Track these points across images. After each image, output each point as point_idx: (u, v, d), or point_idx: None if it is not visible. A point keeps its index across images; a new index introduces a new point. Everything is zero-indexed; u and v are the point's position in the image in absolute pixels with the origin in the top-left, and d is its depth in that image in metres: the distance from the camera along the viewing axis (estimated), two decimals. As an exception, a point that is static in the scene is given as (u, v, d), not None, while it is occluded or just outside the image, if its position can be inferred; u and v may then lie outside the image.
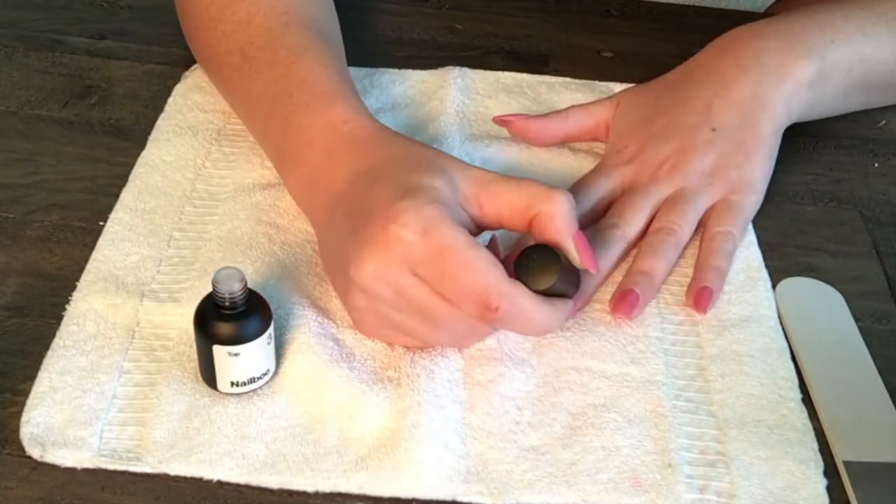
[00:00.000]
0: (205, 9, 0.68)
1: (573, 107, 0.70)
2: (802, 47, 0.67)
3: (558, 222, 0.53)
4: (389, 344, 0.56)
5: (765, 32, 0.68)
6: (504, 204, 0.54)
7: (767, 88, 0.66)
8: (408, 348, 0.55)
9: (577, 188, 0.64)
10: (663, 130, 0.65)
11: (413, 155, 0.56)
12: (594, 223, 0.63)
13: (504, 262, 0.52)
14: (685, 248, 0.63)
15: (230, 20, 0.66)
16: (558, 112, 0.69)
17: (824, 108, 0.70)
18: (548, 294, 0.53)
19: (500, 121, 0.68)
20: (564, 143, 0.70)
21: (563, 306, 0.54)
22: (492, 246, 0.55)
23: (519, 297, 0.51)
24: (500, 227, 0.55)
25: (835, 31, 0.68)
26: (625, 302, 0.58)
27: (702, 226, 0.63)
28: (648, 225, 0.62)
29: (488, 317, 0.51)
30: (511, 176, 0.55)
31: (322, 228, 0.58)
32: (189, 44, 0.73)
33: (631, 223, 0.62)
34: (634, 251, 0.62)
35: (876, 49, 0.68)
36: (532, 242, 0.54)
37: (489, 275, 0.50)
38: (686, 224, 0.62)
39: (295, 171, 0.60)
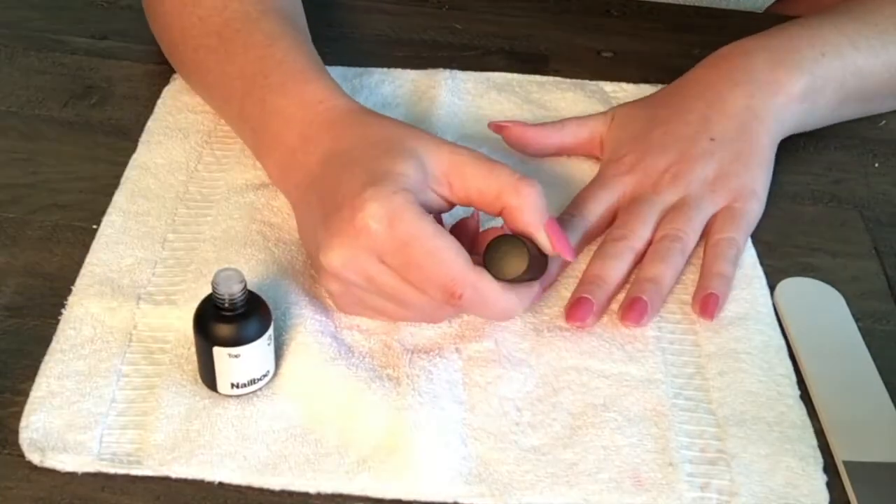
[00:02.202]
0: None
1: (569, 119, 0.70)
2: (792, 62, 0.67)
3: (527, 216, 0.54)
4: (386, 344, 0.56)
5: (755, 48, 0.68)
6: (474, 189, 0.55)
7: (761, 101, 0.66)
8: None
9: (579, 201, 0.64)
10: (661, 140, 0.65)
11: (386, 137, 0.56)
12: (599, 234, 0.63)
13: (481, 237, 0.54)
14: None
15: (206, 4, 0.66)
16: (554, 123, 0.69)
17: (818, 120, 0.71)
18: (514, 281, 0.54)
19: (496, 127, 0.69)
20: (558, 154, 0.69)
21: (528, 291, 0.55)
22: (471, 220, 0.57)
23: (482, 286, 0.52)
24: (471, 206, 0.56)
25: (825, 45, 0.68)
26: (634, 310, 0.58)
27: (705, 233, 0.63)
28: (654, 233, 0.62)
29: (452, 303, 0.52)
30: (485, 158, 0.56)
31: (298, 208, 0.59)
32: (157, 30, 0.72)
33: (638, 233, 0.62)
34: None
35: (868, 61, 0.69)
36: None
37: (453, 264, 0.51)
38: (691, 230, 0.62)
39: (272, 151, 0.61)
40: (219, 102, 0.67)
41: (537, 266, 0.55)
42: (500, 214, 0.55)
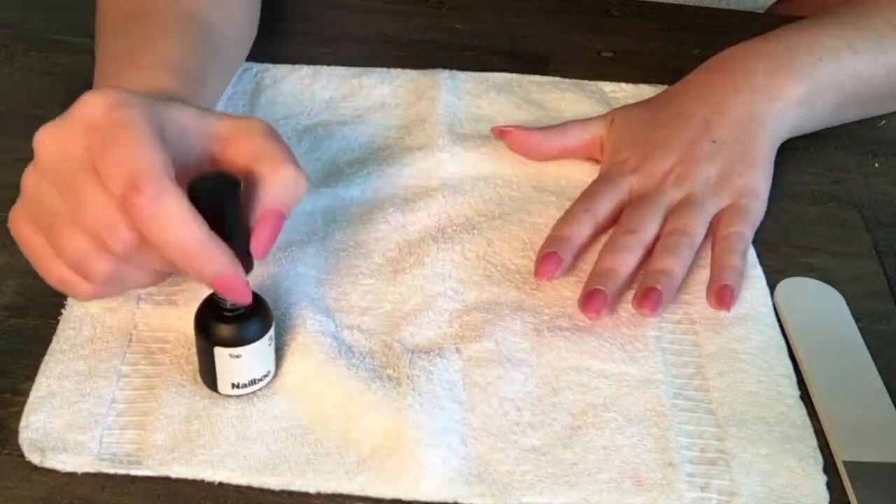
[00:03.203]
0: None
1: (570, 121, 0.70)
2: (791, 68, 0.67)
3: (264, 193, 0.50)
4: (386, 345, 0.56)
5: (754, 53, 0.68)
6: (248, 151, 0.51)
7: (761, 107, 0.66)
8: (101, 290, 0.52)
9: (588, 196, 0.64)
10: (664, 142, 0.65)
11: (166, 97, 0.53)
12: (607, 230, 0.63)
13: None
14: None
15: None
16: (555, 126, 0.69)
17: (817, 123, 0.71)
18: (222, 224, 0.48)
19: (499, 132, 0.68)
20: (560, 158, 0.69)
21: (222, 256, 0.48)
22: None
23: (166, 192, 0.46)
24: (228, 165, 0.51)
25: (823, 50, 0.68)
26: (650, 298, 0.58)
27: (711, 230, 0.63)
28: (661, 230, 0.62)
29: (130, 201, 0.45)
30: (234, 117, 0.52)
31: None
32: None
33: (647, 227, 0.62)
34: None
35: (866, 65, 0.69)
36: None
37: (152, 160, 0.46)
38: (699, 225, 0.62)
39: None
40: (95, 75, 0.64)
41: (240, 235, 0.49)
42: (245, 179, 0.50)
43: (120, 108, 0.48)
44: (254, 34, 0.75)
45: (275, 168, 0.50)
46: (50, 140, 0.49)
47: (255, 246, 0.50)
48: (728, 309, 0.59)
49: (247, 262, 0.50)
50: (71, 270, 0.50)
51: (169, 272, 0.53)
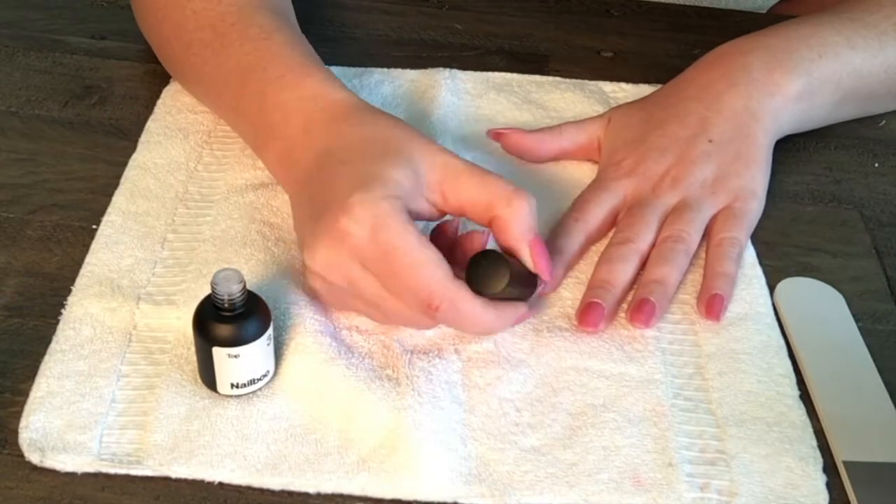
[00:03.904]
0: None
1: (566, 123, 0.69)
2: (789, 63, 0.67)
3: (515, 229, 0.54)
4: (385, 345, 0.56)
5: (752, 47, 0.68)
6: (467, 199, 0.55)
7: (758, 102, 0.66)
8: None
9: (581, 204, 0.64)
10: (660, 143, 0.65)
11: (383, 138, 0.56)
12: (601, 238, 0.63)
13: (460, 242, 0.55)
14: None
15: None
16: (552, 128, 0.69)
17: (815, 120, 0.71)
18: (498, 298, 0.53)
19: (495, 134, 0.68)
20: (557, 159, 0.69)
21: (511, 311, 0.55)
22: (450, 225, 0.57)
23: (460, 301, 0.52)
24: (463, 216, 0.56)
25: (822, 46, 0.68)
26: (642, 311, 0.58)
27: (706, 234, 0.63)
28: (657, 235, 0.62)
29: (430, 314, 0.52)
30: (479, 168, 0.55)
31: (293, 203, 0.59)
32: (146, 27, 0.72)
33: (642, 236, 0.61)
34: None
35: (865, 62, 0.69)
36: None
37: (432, 277, 0.51)
38: (694, 231, 0.62)
39: (271, 144, 0.60)
40: (213, 97, 0.67)
41: (522, 284, 0.55)
42: (489, 225, 0.55)
43: (380, 230, 0.51)
44: None
45: (508, 204, 0.54)
46: (325, 269, 0.54)
47: (544, 274, 0.55)
48: (718, 319, 0.59)
49: (535, 289, 0.56)
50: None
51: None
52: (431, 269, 0.51)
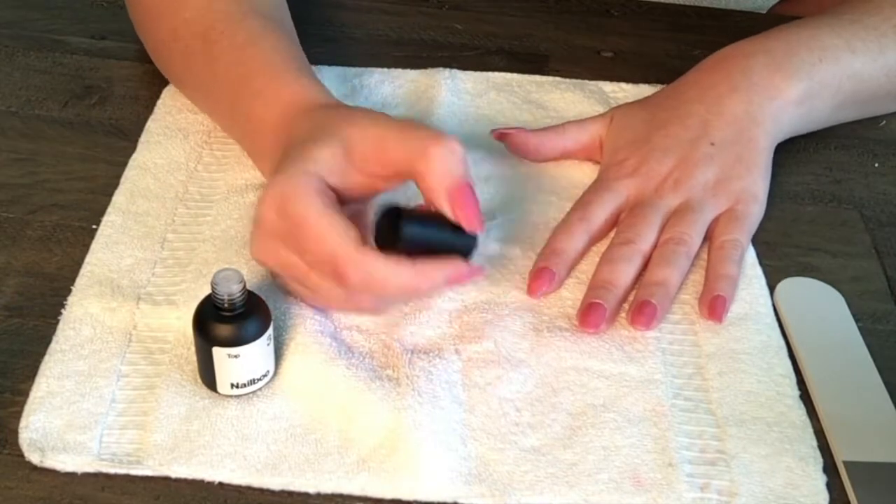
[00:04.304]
0: None
1: (569, 122, 0.69)
2: (790, 66, 0.67)
3: (430, 179, 0.52)
4: (386, 345, 0.56)
5: (753, 51, 0.68)
6: (393, 162, 0.53)
7: (759, 106, 0.66)
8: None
9: (584, 204, 0.64)
10: (662, 144, 0.65)
11: (326, 123, 0.56)
12: (603, 237, 0.63)
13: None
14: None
15: (192, 5, 0.66)
16: (555, 127, 0.69)
17: (815, 123, 0.71)
18: (410, 252, 0.50)
19: (499, 135, 0.68)
20: (560, 159, 0.69)
21: (437, 269, 0.52)
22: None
23: (367, 264, 0.50)
24: (406, 179, 0.54)
25: (823, 50, 0.68)
26: (643, 314, 0.58)
27: (708, 236, 0.63)
28: (659, 236, 0.62)
29: (345, 283, 0.51)
30: (408, 127, 0.54)
31: None
32: (143, 31, 0.72)
33: (645, 237, 0.61)
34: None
35: (865, 65, 0.69)
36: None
37: (337, 243, 0.50)
38: (695, 234, 0.62)
39: (264, 157, 0.61)
40: (210, 106, 0.68)
41: (443, 238, 0.51)
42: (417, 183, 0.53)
43: (285, 206, 0.51)
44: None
45: (423, 156, 0.52)
46: (260, 256, 0.55)
47: (465, 223, 0.52)
48: (720, 320, 0.59)
49: (468, 241, 0.52)
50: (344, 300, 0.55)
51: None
52: (334, 234, 0.50)
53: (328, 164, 0.53)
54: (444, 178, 0.52)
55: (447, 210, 0.52)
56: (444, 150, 0.52)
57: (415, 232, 0.50)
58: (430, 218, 0.51)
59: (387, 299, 0.56)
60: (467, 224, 0.52)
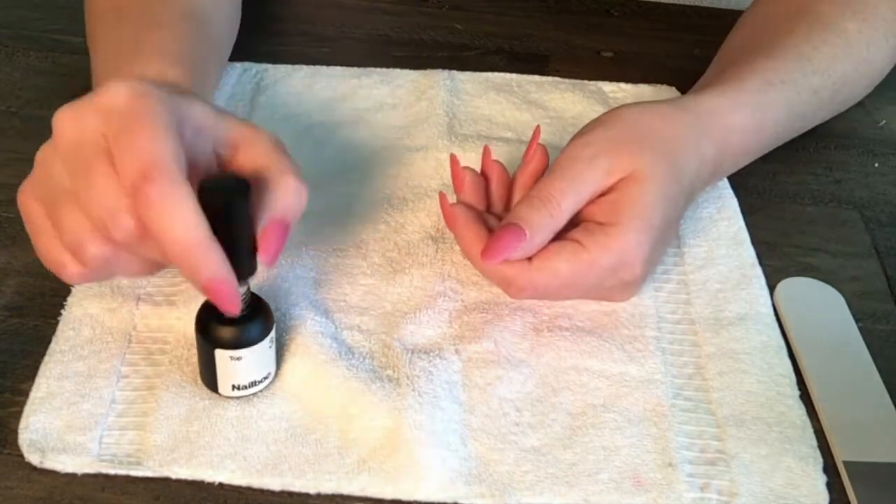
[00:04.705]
0: None
1: (559, 192, 0.57)
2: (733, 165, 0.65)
3: (266, 201, 0.49)
4: (386, 345, 0.56)
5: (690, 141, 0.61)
6: (251, 164, 0.51)
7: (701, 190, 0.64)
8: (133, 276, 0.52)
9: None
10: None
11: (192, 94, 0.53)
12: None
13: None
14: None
15: None
16: (546, 207, 0.56)
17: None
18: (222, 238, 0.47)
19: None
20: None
21: (212, 252, 0.47)
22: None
23: (179, 189, 0.46)
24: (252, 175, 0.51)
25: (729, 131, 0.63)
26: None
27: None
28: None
29: (140, 189, 0.45)
30: (273, 145, 0.51)
31: None
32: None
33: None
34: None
35: (772, 136, 0.66)
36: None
37: (167, 152, 0.46)
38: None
39: None
40: (94, 70, 0.64)
41: (241, 242, 0.49)
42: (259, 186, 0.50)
43: (142, 97, 0.48)
44: (238, 25, 0.74)
45: (282, 178, 0.50)
46: (69, 121, 0.48)
47: (265, 254, 0.50)
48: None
49: (250, 267, 0.50)
50: (65, 251, 0.49)
51: (161, 266, 0.51)
52: (170, 146, 0.46)
53: (194, 110, 0.50)
54: (280, 207, 0.50)
55: (259, 231, 0.50)
56: (299, 189, 0.50)
57: (236, 211, 0.48)
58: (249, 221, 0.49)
59: (149, 247, 0.48)
60: (264, 253, 0.50)
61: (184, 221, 0.46)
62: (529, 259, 0.55)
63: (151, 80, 0.52)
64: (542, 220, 0.55)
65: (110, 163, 0.47)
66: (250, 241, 0.49)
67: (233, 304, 0.48)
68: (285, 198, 0.50)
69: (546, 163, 0.59)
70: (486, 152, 0.61)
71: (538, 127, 0.60)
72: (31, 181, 0.51)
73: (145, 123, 0.47)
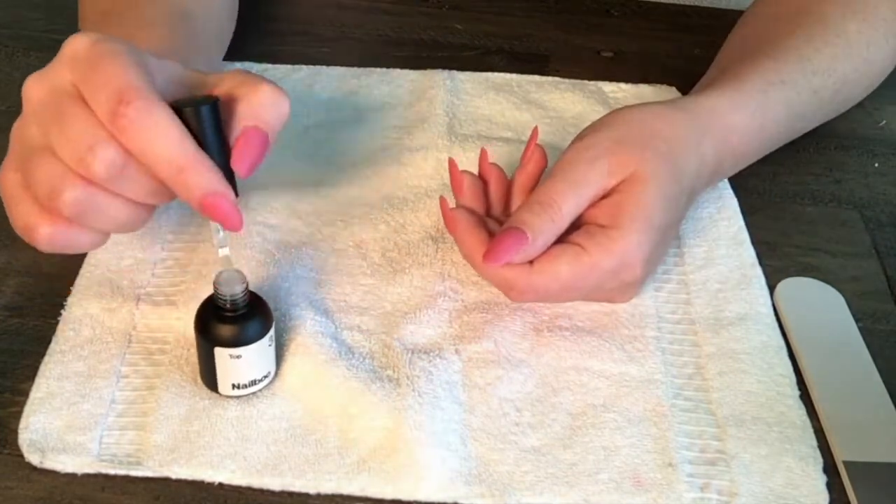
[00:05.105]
0: None
1: (561, 197, 0.56)
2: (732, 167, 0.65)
3: (242, 108, 0.49)
4: (386, 345, 0.56)
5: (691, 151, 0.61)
6: (226, 91, 0.50)
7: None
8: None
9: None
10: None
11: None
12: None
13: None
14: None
15: None
16: (548, 213, 0.56)
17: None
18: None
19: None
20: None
21: (203, 164, 0.47)
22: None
23: (158, 106, 0.45)
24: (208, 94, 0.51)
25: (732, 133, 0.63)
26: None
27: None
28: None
29: (119, 112, 0.45)
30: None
31: None
32: None
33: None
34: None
35: (773, 138, 0.66)
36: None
37: (138, 77, 0.46)
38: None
39: None
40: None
41: (217, 148, 0.48)
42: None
43: (104, 42, 0.47)
44: (234, 20, 0.74)
45: (253, 88, 0.49)
46: (35, 83, 0.48)
47: (238, 162, 0.48)
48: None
49: (231, 182, 0.49)
50: (37, 209, 0.48)
51: (141, 214, 0.50)
52: (140, 73, 0.46)
53: (160, 64, 0.49)
54: (252, 114, 0.49)
55: (233, 138, 0.49)
56: (274, 94, 0.49)
57: (207, 116, 0.47)
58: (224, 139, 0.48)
59: (133, 180, 0.47)
60: (237, 160, 0.48)
61: (169, 137, 0.45)
62: (530, 263, 0.55)
63: None
64: (543, 225, 0.55)
65: (83, 103, 0.46)
66: (227, 157, 0.48)
67: (233, 218, 0.48)
68: (259, 105, 0.49)
69: (544, 164, 0.59)
70: (482, 156, 0.61)
71: (536, 128, 0.60)
72: (8, 157, 0.50)
73: (113, 58, 0.46)
